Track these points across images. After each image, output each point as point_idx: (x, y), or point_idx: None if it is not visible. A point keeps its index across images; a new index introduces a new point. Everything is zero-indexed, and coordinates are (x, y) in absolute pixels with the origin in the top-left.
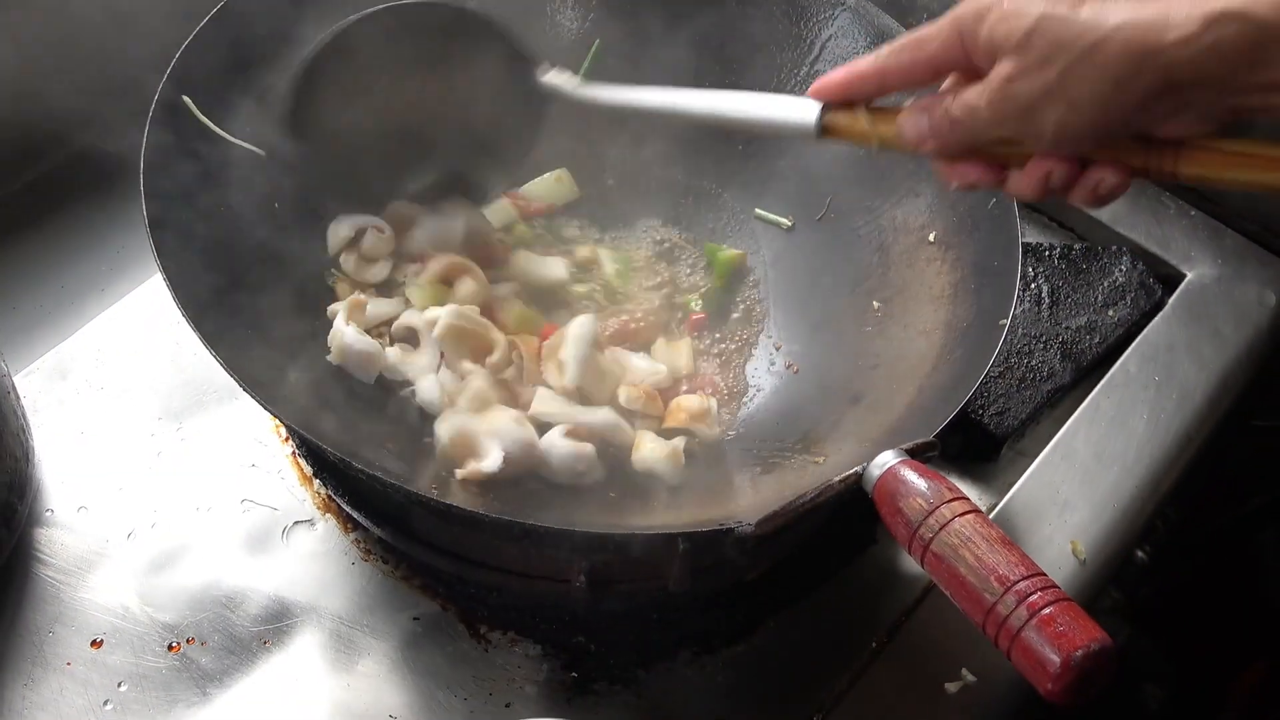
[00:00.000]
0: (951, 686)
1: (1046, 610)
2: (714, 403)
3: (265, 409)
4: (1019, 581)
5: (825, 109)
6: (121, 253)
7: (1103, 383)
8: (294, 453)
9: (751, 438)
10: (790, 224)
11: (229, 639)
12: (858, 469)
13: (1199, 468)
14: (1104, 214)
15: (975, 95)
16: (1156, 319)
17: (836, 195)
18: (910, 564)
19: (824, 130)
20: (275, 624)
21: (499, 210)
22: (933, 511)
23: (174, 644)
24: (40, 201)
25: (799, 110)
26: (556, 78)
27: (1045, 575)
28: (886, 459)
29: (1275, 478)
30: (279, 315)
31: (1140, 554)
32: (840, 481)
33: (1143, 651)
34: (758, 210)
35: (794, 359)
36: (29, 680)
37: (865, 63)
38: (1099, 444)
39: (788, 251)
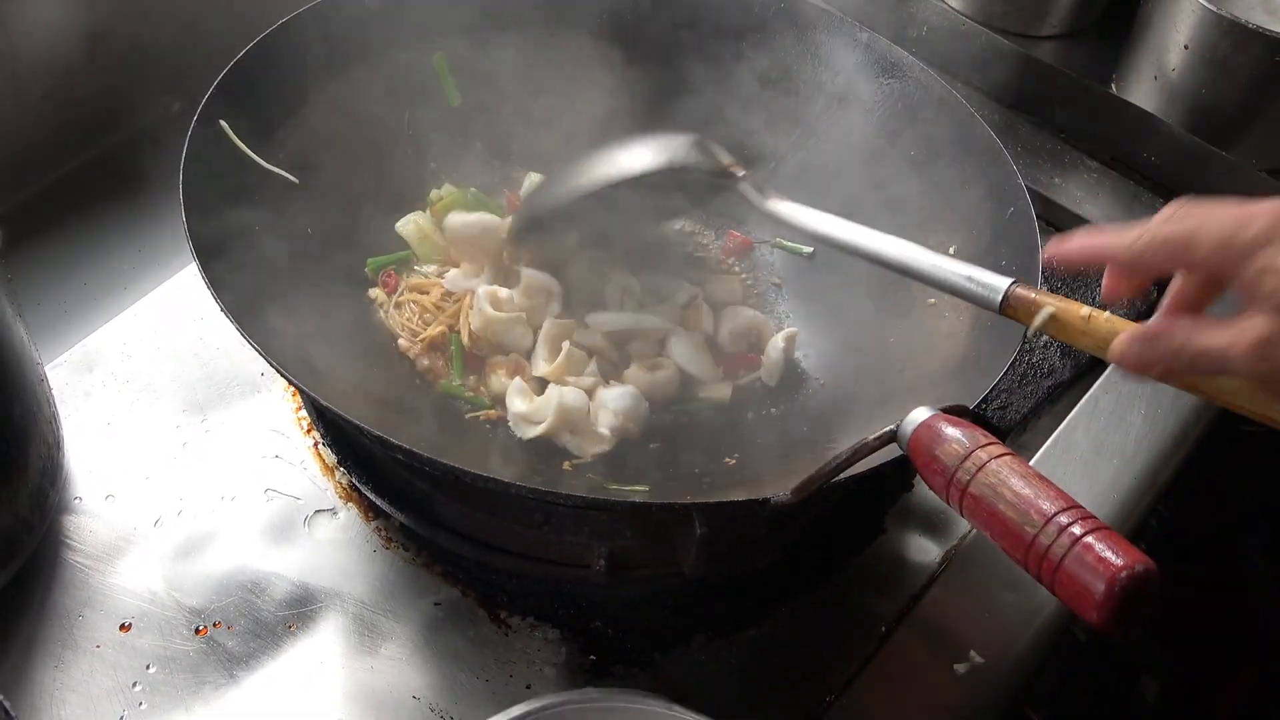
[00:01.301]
0: (960, 667)
1: (1087, 538)
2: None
3: (304, 391)
4: (1058, 513)
5: (1013, 285)
6: (144, 251)
7: (1101, 379)
8: (316, 444)
9: (781, 443)
10: (810, 251)
11: (254, 623)
12: (891, 426)
13: (1194, 463)
14: (1101, 219)
15: (1225, 341)
16: (1150, 320)
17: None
18: (919, 551)
19: (1005, 308)
20: (299, 609)
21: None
22: (969, 455)
23: (201, 627)
24: (66, 200)
25: (987, 282)
26: (748, 191)
27: (1083, 507)
28: (920, 414)
29: (1262, 484)
30: (323, 328)
31: None
32: (875, 439)
33: (1139, 646)
34: (779, 239)
35: (821, 374)
36: (59, 662)
37: (1106, 240)
38: (1099, 437)
39: (811, 277)
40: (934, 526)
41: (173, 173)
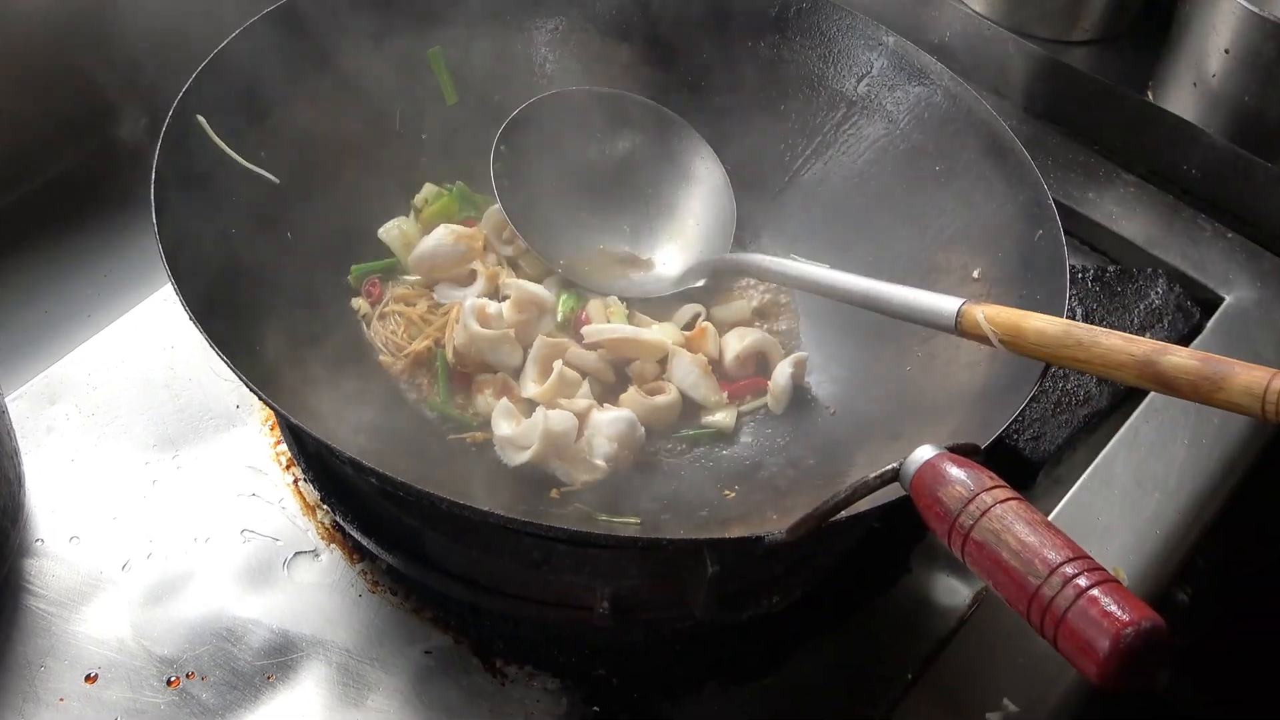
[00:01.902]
0: (993, 716)
1: (1093, 591)
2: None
3: (274, 407)
4: (1064, 564)
5: (964, 304)
6: (110, 276)
7: (1141, 407)
8: (296, 481)
9: (785, 476)
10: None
11: (231, 673)
12: (894, 464)
13: (1243, 496)
14: (1138, 236)
15: None
16: (1195, 343)
17: (874, 238)
18: (947, 592)
19: (961, 329)
20: (279, 658)
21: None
22: (973, 499)
23: (173, 678)
24: (26, 221)
25: (940, 305)
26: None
27: (1091, 558)
28: (925, 453)
29: None
30: (301, 341)
31: (1182, 595)
32: (876, 478)
33: (1185, 696)
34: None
35: (832, 402)
36: (20, 717)
37: None
38: (1139, 469)
39: (822, 299)
40: (963, 565)
41: (141, 191)
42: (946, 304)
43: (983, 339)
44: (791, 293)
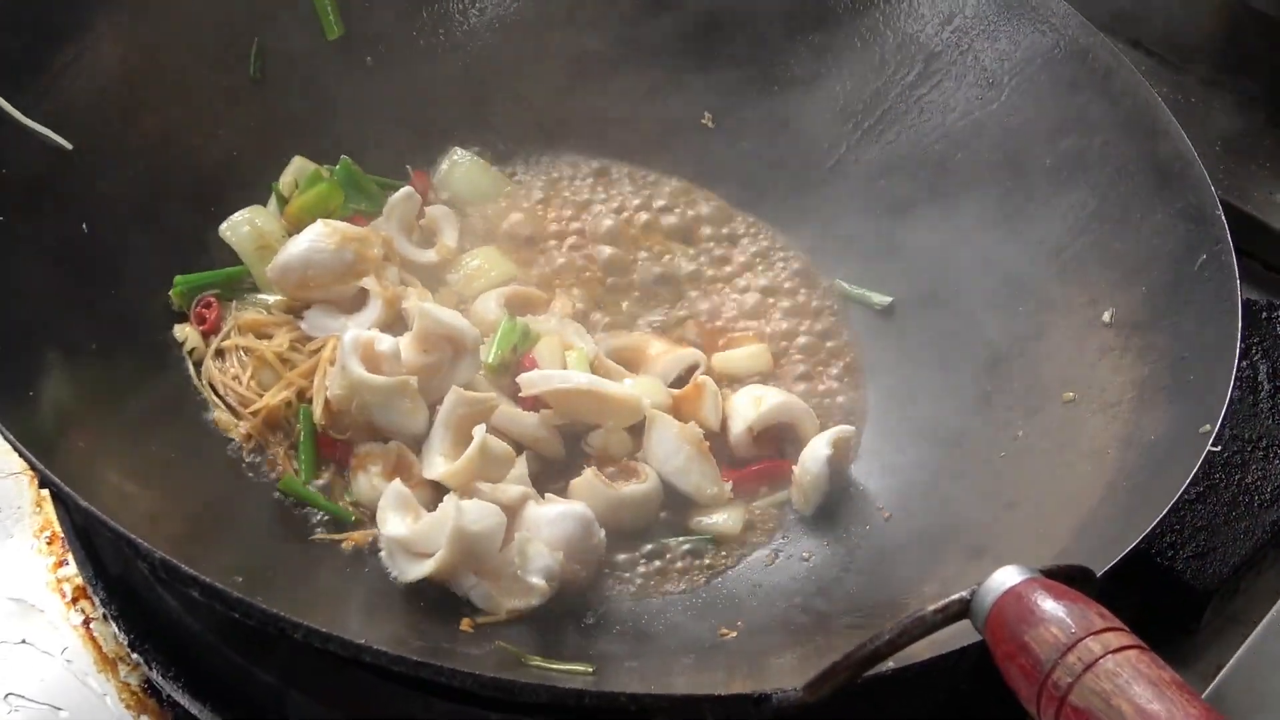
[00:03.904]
0: None
1: None
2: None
3: (51, 481)
4: None
5: None
6: None
7: None
8: (87, 621)
9: (813, 610)
10: (887, 302)
11: None
12: (964, 593)
13: None
14: None
15: None
16: None
17: (956, 255)
18: None
19: None
20: None
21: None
22: (1073, 646)
23: None
24: None
25: None
26: None
27: None
28: (1007, 577)
29: None
30: (96, 388)
31: None
32: (936, 611)
33: None
34: (839, 281)
35: (888, 500)
36: None
37: None
38: None
39: (884, 342)
40: None
41: None
42: None
43: None
44: (850, 328)
